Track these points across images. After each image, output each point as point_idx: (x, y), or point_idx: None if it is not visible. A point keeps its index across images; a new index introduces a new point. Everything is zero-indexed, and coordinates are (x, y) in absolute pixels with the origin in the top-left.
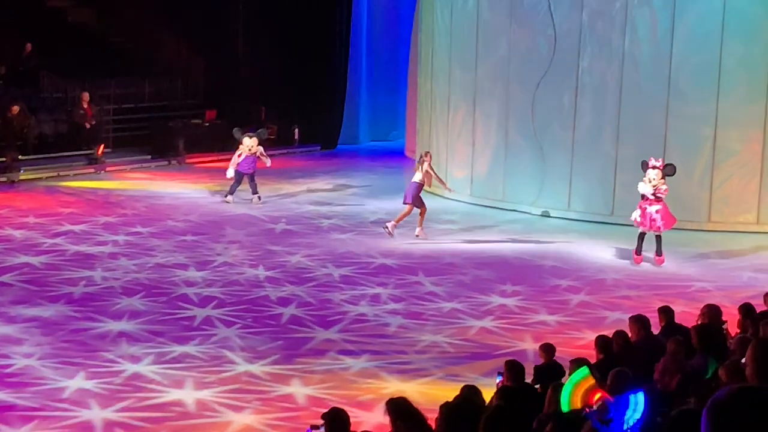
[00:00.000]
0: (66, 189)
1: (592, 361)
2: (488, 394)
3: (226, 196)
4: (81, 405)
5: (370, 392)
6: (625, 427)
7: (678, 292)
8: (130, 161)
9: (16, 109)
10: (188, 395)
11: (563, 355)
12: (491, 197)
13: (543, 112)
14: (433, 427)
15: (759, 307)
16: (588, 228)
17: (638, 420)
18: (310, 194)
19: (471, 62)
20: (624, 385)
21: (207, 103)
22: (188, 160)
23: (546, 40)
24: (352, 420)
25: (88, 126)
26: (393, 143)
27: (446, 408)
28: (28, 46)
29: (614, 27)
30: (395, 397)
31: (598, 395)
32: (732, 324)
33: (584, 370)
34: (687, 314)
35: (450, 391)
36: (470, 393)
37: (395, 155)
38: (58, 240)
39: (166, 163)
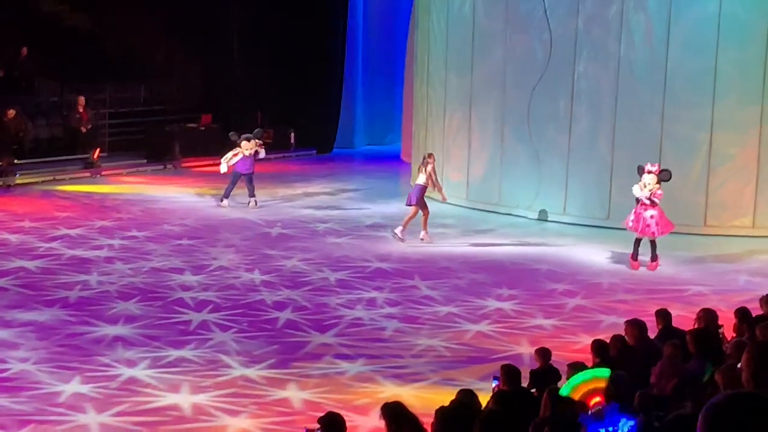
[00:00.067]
0: (62, 193)
1: (589, 365)
2: (484, 398)
3: (221, 200)
4: (77, 409)
5: (366, 396)
6: None
7: (674, 296)
8: (126, 165)
9: (11, 112)
10: (184, 399)
11: (559, 359)
12: (487, 201)
13: (539, 116)
14: (429, 431)
15: (755, 311)
16: (584, 232)
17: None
18: (306, 198)
19: (467, 67)
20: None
21: (203, 107)
22: (184, 164)
23: (542, 45)
24: (348, 424)
25: (83, 130)
26: (389, 147)
27: (442, 412)
28: (24, 50)
29: (610, 32)
30: (391, 401)
31: (596, 399)
32: (728, 328)
33: (606, 372)
34: (683, 318)
35: (446, 396)
36: (466, 397)
37: (391, 159)
38: (53, 244)
39: (162, 167)
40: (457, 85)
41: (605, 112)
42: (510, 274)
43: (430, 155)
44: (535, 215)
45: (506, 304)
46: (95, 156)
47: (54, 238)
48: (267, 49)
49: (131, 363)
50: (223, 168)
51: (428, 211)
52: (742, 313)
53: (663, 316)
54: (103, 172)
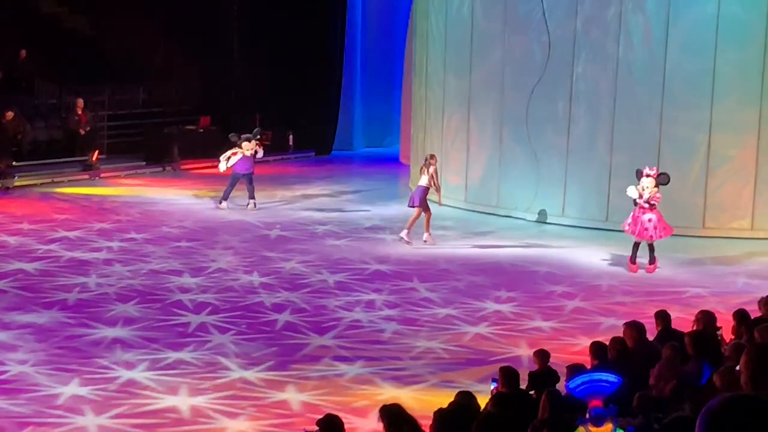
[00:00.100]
0: (60, 195)
1: (588, 366)
2: (483, 400)
3: (220, 202)
4: (75, 411)
5: (364, 398)
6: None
7: (672, 298)
8: (125, 167)
9: (10, 114)
10: (183, 402)
11: (558, 361)
12: (486, 203)
13: (537, 118)
14: None
15: (753, 313)
16: (582, 234)
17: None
18: (305, 200)
19: (465, 69)
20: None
21: (201, 109)
22: (183, 167)
23: (540, 46)
24: (346, 426)
25: (82, 132)
26: (387, 149)
27: (440, 414)
28: (23, 52)
29: (608, 34)
30: (389, 403)
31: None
32: (726, 330)
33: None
34: (682, 320)
35: (445, 398)
36: (465, 399)
37: (390, 161)
38: (52, 246)
39: (161, 169)
40: (456, 86)
41: (604, 113)
42: (509, 276)
43: (432, 156)
44: (534, 216)
45: (505, 306)
46: (94, 158)
47: (53, 240)
48: (266, 51)
49: (130, 365)
50: (222, 167)
51: (430, 213)
52: (740, 315)
53: (662, 317)
54: (102, 174)
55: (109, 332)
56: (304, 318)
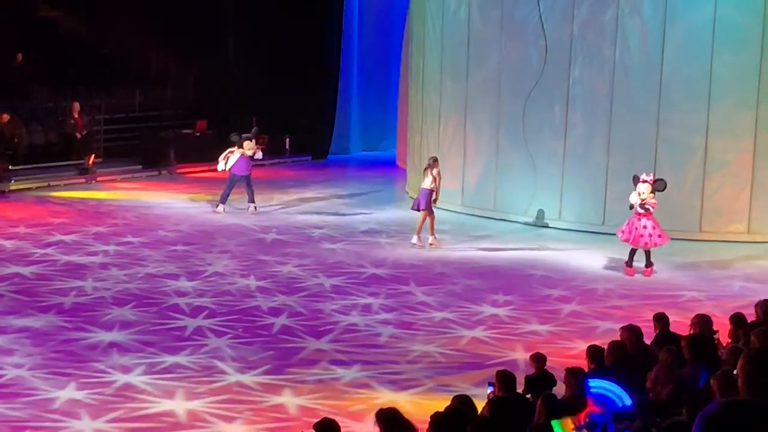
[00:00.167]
0: (57, 199)
1: (585, 370)
2: (480, 404)
3: (216, 206)
4: (72, 416)
5: (361, 402)
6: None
7: (669, 302)
8: (121, 171)
9: (5, 117)
10: (179, 406)
11: (554, 364)
12: (482, 207)
13: (534, 122)
14: None
15: (750, 316)
16: (579, 238)
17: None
18: (301, 204)
19: (462, 73)
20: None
21: (198, 113)
22: (179, 170)
23: (537, 50)
24: (343, 430)
25: (78, 136)
26: (384, 153)
27: (436, 418)
28: (19, 56)
29: (605, 37)
30: (386, 407)
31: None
32: (723, 334)
33: (556, 426)
34: (678, 324)
35: (441, 402)
36: (461, 403)
37: (386, 165)
38: (48, 250)
39: (157, 173)
40: (453, 90)
41: (600, 117)
42: (505, 279)
43: (435, 159)
44: (531, 220)
45: (501, 310)
46: (90, 162)
47: (49, 244)
48: (262, 55)
49: (126, 369)
50: (221, 167)
51: (434, 216)
52: (737, 319)
53: (661, 320)
54: (98, 178)
55: (106, 336)
56: (301, 322)
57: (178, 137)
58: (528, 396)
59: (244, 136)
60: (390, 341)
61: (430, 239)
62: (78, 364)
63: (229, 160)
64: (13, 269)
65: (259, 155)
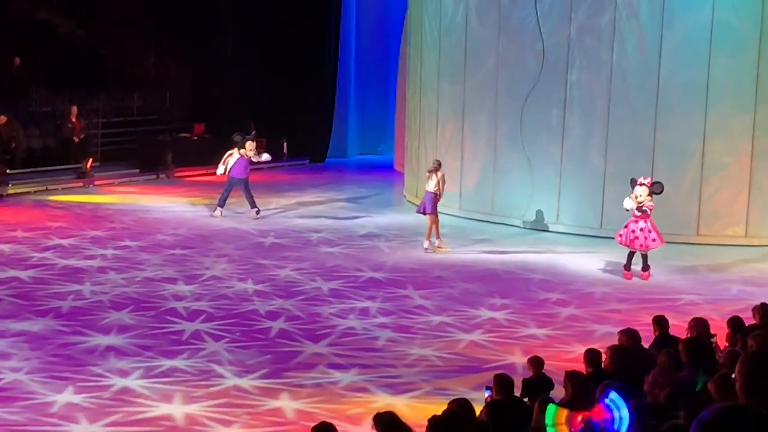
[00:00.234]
0: (54, 203)
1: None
2: (478, 408)
3: (214, 210)
4: (69, 419)
5: (358, 406)
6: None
7: (667, 306)
8: (119, 175)
9: (2, 119)
10: (177, 409)
11: (552, 368)
12: (480, 210)
13: (531, 125)
14: None
15: (748, 320)
16: (577, 241)
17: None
18: (299, 208)
19: (459, 76)
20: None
21: (195, 116)
22: (177, 174)
23: (534, 53)
24: None
25: (76, 140)
26: (381, 157)
27: (434, 422)
28: (17, 59)
29: (602, 41)
30: (383, 411)
31: (580, 417)
32: (721, 337)
33: (551, 408)
34: (676, 327)
35: (439, 405)
36: (460, 407)
37: (384, 169)
38: (46, 254)
39: (155, 176)
40: (450, 94)
41: (598, 120)
42: (503, 283)
43: (439, 162)
44: (529, 223)
45: (499, 314)
46: (88, 166)
47: (47, 248)
48: (260, 58)
49: (124, 373)
50: (220, 170)
51: (438, 219)
52: (735, 323)
53: (660, 322)
54: (96, 182)
55: (103, 340)
56: (299, 325)
57: (176, 141)
58: (525, 399)
59: (247, 137)
60: (388, 345)
61: (436, 242)
62: (76, 368)
63: (228, 162)
64: (11, 273)
65: (267, 157)
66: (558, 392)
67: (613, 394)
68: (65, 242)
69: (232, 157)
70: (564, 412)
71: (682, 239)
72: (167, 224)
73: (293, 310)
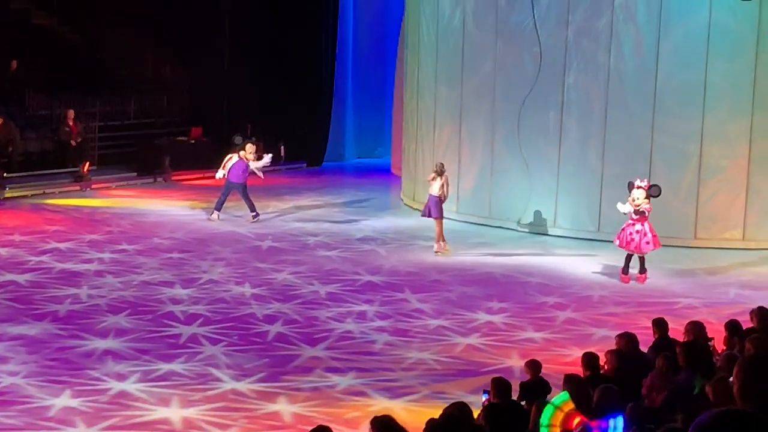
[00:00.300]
0: (51, 207)
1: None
2: (476, 412)
3: (211, 213)
4: (67, 423)
5: (356, 410)
6: None
7: (664, 309)
8: (116, 179)
9: None
10: (174, 413)
11: (549, 372)
12: (478, 214)
13: (529, 128)
14: None
15: (746, 323)
16: (574, 245)
17: None
18: (297, 211)
19: (457, 79)
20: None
21: (193, 120)
22: (174, 178)
23: (532, 56)
24: None
25: (73, 143)
26: (379, 160)
27: (432, 424)
28: (14, 63)
29: (600, 44)
30: (381, 414)
31: (577, 420)
32: (719, 341)
33: (564, 395)
34: (674, 331)
35: (436, 409)
36: (458, 410)
37: (381, 172)
38: (43, 258)
39: (152, 180)
40: (447, 97)
41: (595, 123)
42: (500, 287)
43: (442, 165)
44: (527, 227)
45: (497, 317)
46: (85, 169)
47: (44, 252)
48: (257, 62)
49: (121, 377)
50: (219, 174)
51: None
52: (732, 326)
53: (659, 325)
54: (93, 186)
55: (101, 344)
56: (296, 329)
57: (173, 144)
58: (523, 403)
59: (246, 139)
60: (385, 348)
61: (442, 245)
62: (73, 371)
63: (227, 165)
64: (8, 277)
65: (266, 160)
66: (555, 396)
67: (619, 421)
68: (62, 246)
69: (231, 161)
70: (561, 415)
71: (679, 242)
72: (164, 228)
73: (290, 313)
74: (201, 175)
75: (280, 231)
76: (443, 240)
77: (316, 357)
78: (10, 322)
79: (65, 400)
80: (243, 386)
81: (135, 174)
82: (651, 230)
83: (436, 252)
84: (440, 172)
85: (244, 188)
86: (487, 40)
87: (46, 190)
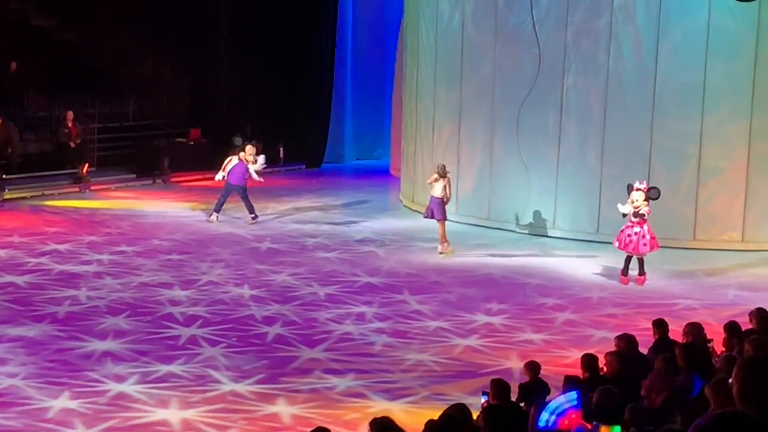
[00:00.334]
0: (51, 208)
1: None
2: (475, 413)
3: (210, 215)
4: (66, 425)
5: (355, 411)
6: None
7: (664, 311)
8: (115, 180)
9: None
10: (173, 415)
11: (549, 373)
12: (477, 216)
13: (528, 130)
14: None
15: (745, 325)
16: (573, 246)
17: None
18: (296, 213)
19: (456, 80)
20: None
21: (191, 121)
22: (173, 179)
23: (531, 58)
24: None
25: (72, 145)
26: (378, 162)
27: (431, 426)
28: (13, 64)
29: (599, 45)
30: (380, 416)
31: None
32: (718, 342)
33: (572, 395)
34: (673, 332)
35: (435, 411)
36: (457, 411)
37: (380, 174)
38: (42, 259)
39: (151, 181)
40: (446, 98)
41: (594, 124)
42: (499, 288)
43: (444, 166)
44: (526, 228)
45: (496, 319)
46: (84, 171)
47: (43, 253)
48: (256, 63)
49: (120, 378)
50: (219, 176)
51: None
52: (731, 328)
53: (660, 326)
54: (92, 187)
55: (100, 345)
56: (295, 331)
57: (173, 146)
58: (522, 404)
59: (246, 141)
60: (384, 350)
61: (446, 246)
62: (72, 373)
63: (227, 167)
64: (7, 278)
65: (260, 163)
66: (554, 397)
67: (541, 422)
68: (61, 247)
69: (231, 163)
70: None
71: (678, 244)
72: (163, 229)
73: (289, 315)
74: (200, 177)
75: (279, 232)
76: (446, 241)
77: (315, 358)
78: (9, 323)
79: (64, 401)
80: (242, 388)
81: (134, 175)
82: (650, 232)
83: (440, 253)
84: (443, 174)
85: (243, 190)
86: (487, 42)
87: (45, 192)
